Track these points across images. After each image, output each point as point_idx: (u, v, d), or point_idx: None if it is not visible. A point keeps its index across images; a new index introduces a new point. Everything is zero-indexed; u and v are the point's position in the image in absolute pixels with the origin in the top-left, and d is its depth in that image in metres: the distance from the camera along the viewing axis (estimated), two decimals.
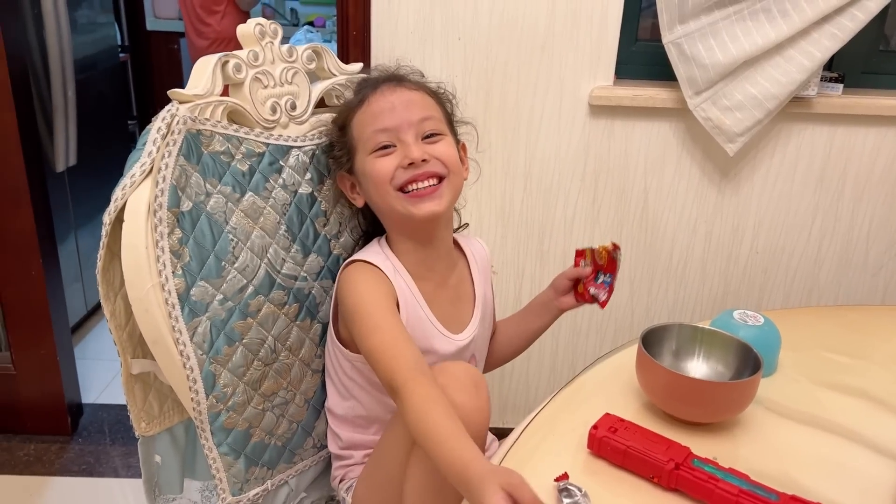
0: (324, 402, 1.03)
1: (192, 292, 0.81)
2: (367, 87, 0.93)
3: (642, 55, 1.63)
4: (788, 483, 0.68)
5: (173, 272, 0.79)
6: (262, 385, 0.91)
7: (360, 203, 0.96)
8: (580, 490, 0.65)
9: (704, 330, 0.82)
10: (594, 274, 1.00)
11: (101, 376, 2.09)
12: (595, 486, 0.67)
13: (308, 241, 0.96)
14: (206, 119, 0.85)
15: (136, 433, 0.92)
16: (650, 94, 1.57)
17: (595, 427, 0.71)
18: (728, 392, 0.73)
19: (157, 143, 0.78)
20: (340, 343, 0.95)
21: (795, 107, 1.55)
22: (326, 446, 1.05)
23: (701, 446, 0.70)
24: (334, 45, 1.65)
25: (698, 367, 0.81)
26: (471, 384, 0.81)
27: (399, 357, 0.81)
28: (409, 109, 0.90)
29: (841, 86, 1.59)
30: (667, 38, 1.49)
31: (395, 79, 0.94)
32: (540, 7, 1.52)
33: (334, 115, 0.99)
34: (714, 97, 1.52)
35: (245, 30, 0.92)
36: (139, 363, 0.87)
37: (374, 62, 1.56)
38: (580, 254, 1.02)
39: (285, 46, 0.96)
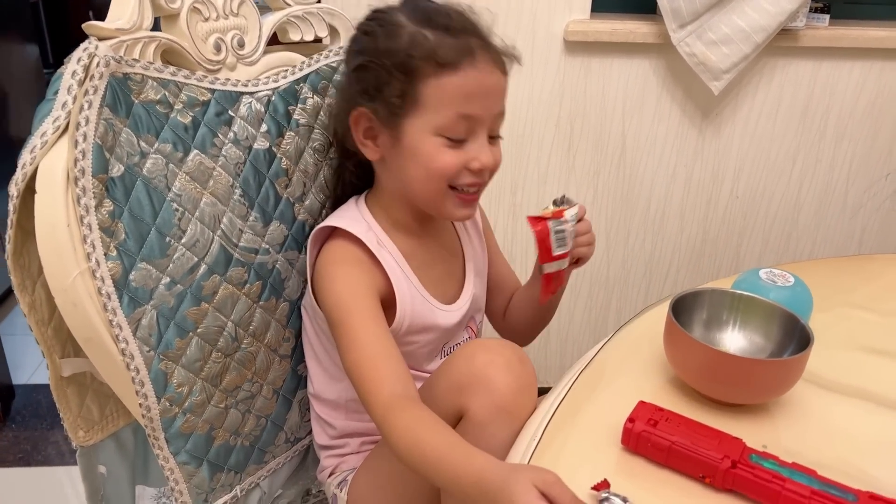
0: (295, 390, 0.89)
1: (131, 277, 0.66)
2: (464, 51, 0.73)
3: None
4: (852, 473, 0.59)
5: (106, 254, 0.63)
6: (223, 379, 0.77)
7: (372, 156, 0.80)
8: (625, 500, 0.54)
9: (742, 296, 0.72)
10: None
11: (33, 353, 1.89)
12: (637, 490, 0.57)
13: (268, 207, 0.81)
14: (136, 60, 0.68)
15: (74, 444, 0.77)
16: (630, 28, 1.44)
17: (631, 420, 0.60)
18: (777, 370, 0.63)
19: (74, 92, 0.62)
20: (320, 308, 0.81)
21: (782, 40, 1.45)
22: (300, 440, 0.92)
23: (743, 432, 0.61)
24: None
25: (735, 339, 0.71)
26: (517, 361, 0.71)
27: (377, 380, 0.70)
28: (496, 99, 0.76)
29: (828, 16, 1.50)
30: None
31: (492, 50, 0.76)
32: None
33: (381, 38, 0.75)
34: (699, 31, 1.40)
35: None
36: (70, 363, 0.72)
37: None
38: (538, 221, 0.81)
39: None
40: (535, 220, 0.78)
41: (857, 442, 0.64)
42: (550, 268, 0.81)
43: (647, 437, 0.59)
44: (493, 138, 0.79)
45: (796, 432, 0.65)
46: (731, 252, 1.72)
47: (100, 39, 0.66)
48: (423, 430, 0.64)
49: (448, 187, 0.77)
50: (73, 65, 0.63)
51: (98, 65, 0.63)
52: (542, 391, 0.76)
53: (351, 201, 0.86)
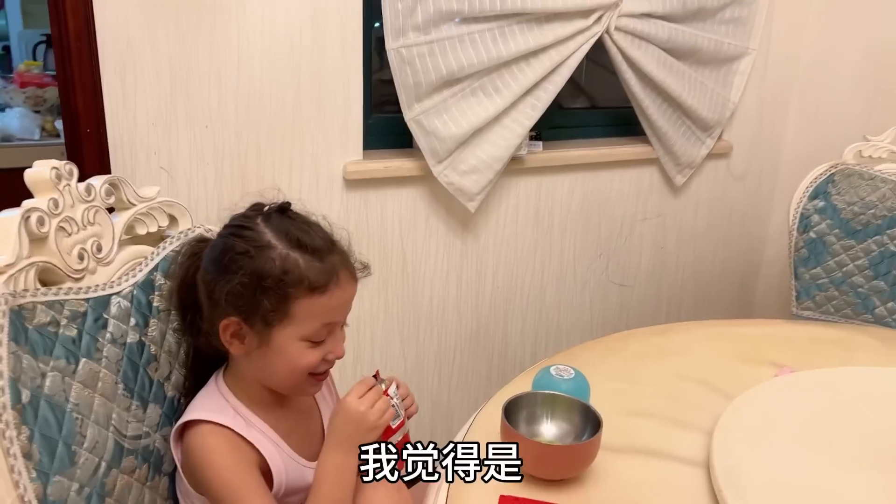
0: None
1: (49, 493, 0.70)
2: (330, 274, 0.86)
3: (382, 128, 1.76)
4: None
5: (30, 478, 0.68)
6: None
7: (238, 351, 0.89)
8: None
9: (547, 395, 0.97)
10: None
11: None
12: None
13: (145, 393, 0.88)
14: (25, 290, 0.74)
15: None
16: (398, 164, 1.71)
17: None
18: (583, 450, 0.89)
19: None
20: (198, 491, 0.89)
21: (513, 164, 1.83)
22: None
23: (570, 499, 0.84)
24: None
25: (549, 430, 0.96)
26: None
27: None
28: (350, 304, 0.91)
29: (541, 143, 1.92)
30: (408, 115, 1.64)
31: (350, 266, 0.90)
32: (286, 92, 1.56)
33: (243, 254, 0.85)
34: (453, 164, 1.72)
35: (38, 175, 0.81)
36: None
37: (113, 159, 1.44)
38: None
39: (82, 185, 0.87)
40: None
41: (649, 487, 0.91)
42: (396, 438, 0.94)
43: None
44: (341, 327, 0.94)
45: (609, 488, 0.91)
46: (500, 331, 2.04)
47: None
48: None
49: (308, 375, 0.91)
50: None
51: (3, 303, 0.69)
52: None
53: (211, 386, 0.94)
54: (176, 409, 0.93)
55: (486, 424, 1.02)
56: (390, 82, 1.62)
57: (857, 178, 1.74)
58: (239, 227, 0.88)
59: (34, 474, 0.69)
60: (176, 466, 0.93)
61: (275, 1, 1.49)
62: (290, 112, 1.58)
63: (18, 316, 0.72)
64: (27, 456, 0.68)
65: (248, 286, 0.84)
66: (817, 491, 0.88)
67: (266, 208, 0.91)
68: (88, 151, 1.42)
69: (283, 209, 0.91)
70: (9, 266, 0.73)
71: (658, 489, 0.92)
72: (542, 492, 0.89)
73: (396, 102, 1.64)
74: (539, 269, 2.04)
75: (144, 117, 1.46)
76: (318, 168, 1.65)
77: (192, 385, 0.96)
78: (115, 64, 1.40)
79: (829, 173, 1.77)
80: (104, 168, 1.43)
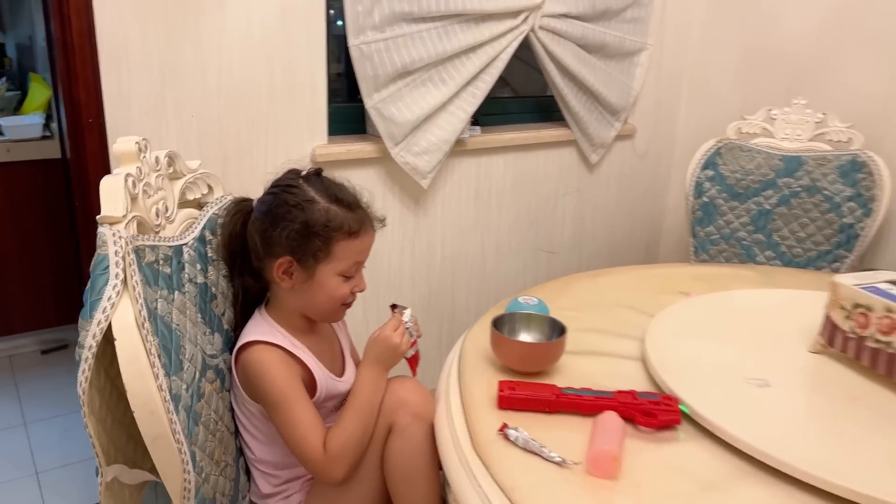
0: (238, 459, 1.16)
1: (171, 387, 0.91)
2: (362, 223, 1.11)
3: (341, 116, 1.99)
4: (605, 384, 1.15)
5: (164, 374, 0.88)
6: (215, 454, 1.03)
7: (287, 285, 1.11)
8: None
9: (523, 314, 1.25)
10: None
11: None
12: (512, 419, 1.03)
13: (213, 324, 1.09)
14: (137, 235, 0.94)
15: None
16: (359, 147, 1.94)
17: (501, 390, 1.08)
18: (555, 347, 1.17)
19: (121, 265, 0.87)
20: (254, 399, 1.12)
21: (458, 146, 2.10)
22: (246, 497, 1.18)
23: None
24: None
25: (528, 337, 1.24)
26: (417, 387, 1.15)
27: (310, 448, 1.06)
28: (370, 249, 1.16)
29: (479, 128, 2.21)
30: (369, 103, 1.88)
31: (373, 219, 1.15)
32: (260, 84, 1.76)
33: (296, 214, 1.08)
34: (408, 146, 1.97)
35: (126, 148, 1.01)
36: (112, 469, 0.92)
37: (111, 145, 1.60)
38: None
39: (152, 157, 1.07)
40: None
41: (599, 374, 1.21)
42: (411, 353, 1.23)
43: (511, 397, 1.07)
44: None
45: (570, 378, 1.20)
46: (448, 297, 2.32)
47: (111, 224, 0.91)
48: (350, 447, 1.08)
49: (340, 305, 1.16)
50: (112, 246, 0.88)
51: (127, 244, 0.89)
52: None
53: (257, 317, 1.16)
54: (229, 340, 1.14)
55: (475, 342, 1.28)
56: (341, 75, 1.85)
57: (738, 150, 2.14)
58: (287, 186, 1.11)
59: (163, 371, 0.90)
60: (234, 383, 1.14)
61: (249, 3, 1.69)
62: (265, 103, 1.78)
63: (137, 254, 0.92)
64: (158, 357, 0.89)
65: (300, 231, 1.08)
66: (718, 367, 1.21)
67: (304, 172, 1.13)
68: (90, 139, 1.58)
69: (318, 172, 1.14)
70: (123, 217, 0.93)
71: (608, 375, 1.22)
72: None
73: (347, 93, 1.87)
74: (479, 241, 2.32)
75: (138, 108, 1.63)
76: (289, 151, 1.86)
77: (240, 320, 1.17)
78: (112, 60, 1.57)
79: (716, 147, 2.16)
80: (104, 154, 1.59)
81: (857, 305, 1.11)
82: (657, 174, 2.76)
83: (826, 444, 0.98)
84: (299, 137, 1.86)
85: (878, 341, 1.09)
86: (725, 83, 2.55)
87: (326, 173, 1.20)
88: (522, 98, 2.51)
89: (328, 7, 1.83)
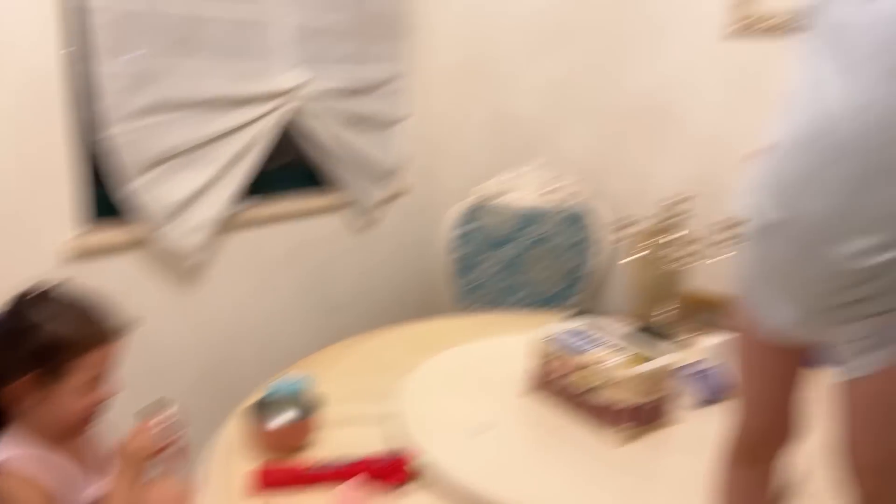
0: None
1: None
2: (95, 339, 1.14)
3: (96, 201, 1.96)
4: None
5: None
6: None
7: (24, 408, 1.11)
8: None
9: (288, 394, 1.36)
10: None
11: None
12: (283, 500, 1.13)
13: None
14: None
15: None
16: (119, 234, 1.92)
17: (256, 474, 1.17)
18: (301, 428, 1.30)
19: None
20: None
21: (230, 221, 2.16)
22: None
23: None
24: None
25: (293, 415, 1.34)
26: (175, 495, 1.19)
27: None
28: (114, 359, 1.18)
29: (252, 200, 2.28)
30: (130, 188, 1.89)
31: (111, 333, 1.16)
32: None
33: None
34: (173, 227, 2.00)
35: None
36: None
37: None
38: None
39: None
40: None
41: (356, 435, 1.34)
42: (172, 450, 1.26)
43: (266, 479, 1.16)
44: None
45: (332, 449, 1.32)
46: (230, 371, 2.34)
47: None
48: None
49: (81, 419, 1.17)
50: None
51: None
52: None
53: (6, 438, 1.15)
54: None
55: (239, 424, 1.36)
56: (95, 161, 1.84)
57: (487, 208, 2.42)
58: (10, 313, 1.14)
59: None
60: None
61: None
62: (4, 196, 1.71)
63: None
64: None
65: (27, 358, 1.10)
66: (449, 417, 1.40)
67: (29, 295, 1.15)
68: None
69: (45, 293, 1.16)
70: None
71: (366, 440, 1.36)
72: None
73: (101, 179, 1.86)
74: (263, 311, 2.38)
75: None
76: (40, 245, 1.79)
77: None
78: None
79: (470, 206, 2.43)
80: None
81: (546, 354, 1.38)
82: (430, 231, 3.00)
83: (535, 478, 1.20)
84: (50, 228, 1.80)
85: (563, 382, 1.36)
86: (476, 146, 2.86)
87: (69, 280, 1.22)
88: (294, 167, 2.63)
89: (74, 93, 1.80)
